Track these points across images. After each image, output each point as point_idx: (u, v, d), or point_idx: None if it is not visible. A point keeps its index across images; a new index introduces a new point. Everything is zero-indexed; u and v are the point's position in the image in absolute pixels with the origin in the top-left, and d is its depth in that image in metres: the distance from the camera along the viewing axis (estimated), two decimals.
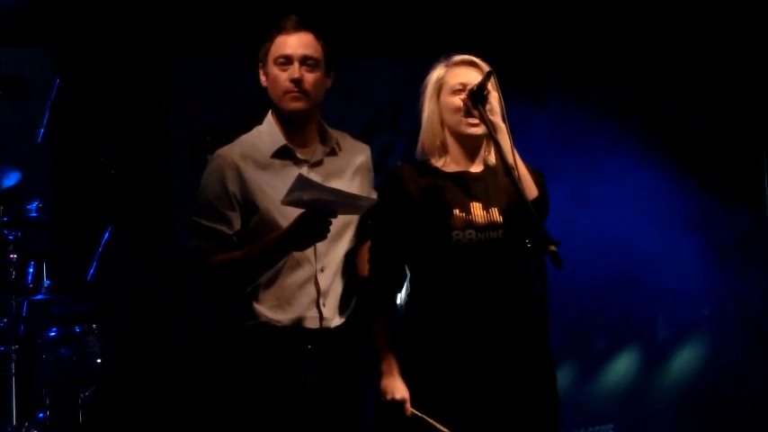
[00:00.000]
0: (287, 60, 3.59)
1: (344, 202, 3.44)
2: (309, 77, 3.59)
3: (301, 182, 3.34)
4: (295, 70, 3.57)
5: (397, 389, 3.47)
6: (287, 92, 3.59)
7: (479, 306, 3.46)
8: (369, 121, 6.86)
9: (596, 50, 6.75)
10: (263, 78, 3.67)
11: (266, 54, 3.64)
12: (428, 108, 3.61)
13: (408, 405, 3.46)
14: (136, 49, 6.31)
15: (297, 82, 3.57)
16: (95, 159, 5.97)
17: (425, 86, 3.62)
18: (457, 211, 3.51)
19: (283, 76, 3.59)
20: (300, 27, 3.61)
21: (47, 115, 5.68)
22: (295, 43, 3.59)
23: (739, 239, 6.78)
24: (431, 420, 3.43)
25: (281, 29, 3.62)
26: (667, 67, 6.72)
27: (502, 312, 3.47)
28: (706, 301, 6.87)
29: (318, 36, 3.63)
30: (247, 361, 3.57)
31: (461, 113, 3.53)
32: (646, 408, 6.75)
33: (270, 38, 3.63)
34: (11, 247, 5.30)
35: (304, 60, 3.58)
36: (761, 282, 6.76)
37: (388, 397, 3.47)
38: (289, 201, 3.37)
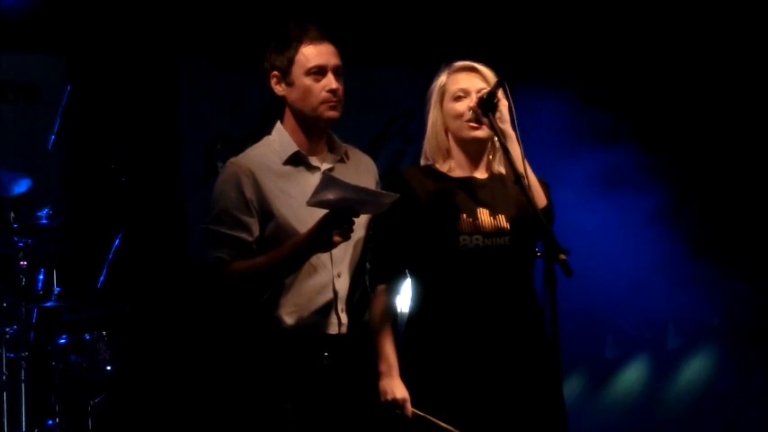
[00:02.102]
0: (320, 71, 3.57)
1: (369, 200, 3.42)
2: (341, 86, 3.60)
3: (327, 180, 3.33)
4: (331, 80, 3.56)
5: (397, 389, 3.47)
6: (324, 102, 3.57)
7: (484, 312, 3.46)
8: (380, 129, 6.87)
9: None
10: (278, 88, 3.63)
11: (290, 64, 3.59)
12: (432, 115, 3.63)
13: (409, 405, 3.45)
14: (147, 56, 6.33)
15: (335, 92, 3.57)
16: (106, 166, 5.98)
17: (430, 94, 3.64)
18: (464, 216, 3.51)
19: (318, 87, 3.57)
20: (324, 37, 3.61)
21: (58, 122, 5.69)
22: (326, 53, 3.59)
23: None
24: (434, 419, 3.41)
25: (303, 39, 3.59)
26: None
27: (506, 318, 3.47)
28: (716, 310, 6.85)
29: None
30: (265, 367, 3.55)
31: (467, 119, 3.53)
32: (655, 417, 6.73)
33: (292, 47, 3.59)
34: (21, 253, 5.29)
35: (336, 70, 3.59)
36: None
37: (389, 397, 3.47)
38: (315, 201, 3.34)
